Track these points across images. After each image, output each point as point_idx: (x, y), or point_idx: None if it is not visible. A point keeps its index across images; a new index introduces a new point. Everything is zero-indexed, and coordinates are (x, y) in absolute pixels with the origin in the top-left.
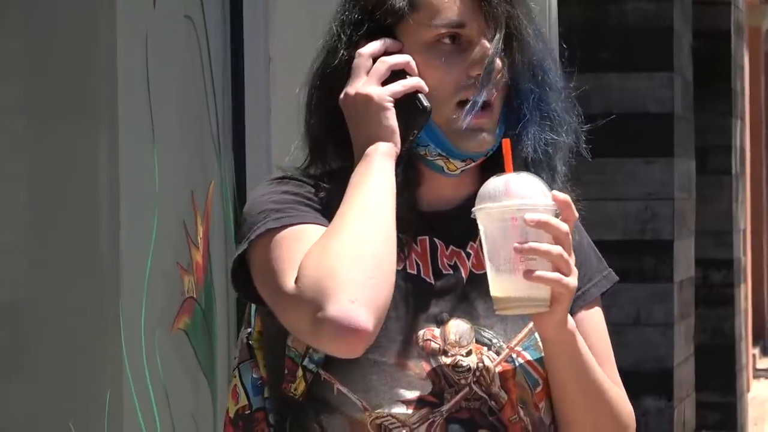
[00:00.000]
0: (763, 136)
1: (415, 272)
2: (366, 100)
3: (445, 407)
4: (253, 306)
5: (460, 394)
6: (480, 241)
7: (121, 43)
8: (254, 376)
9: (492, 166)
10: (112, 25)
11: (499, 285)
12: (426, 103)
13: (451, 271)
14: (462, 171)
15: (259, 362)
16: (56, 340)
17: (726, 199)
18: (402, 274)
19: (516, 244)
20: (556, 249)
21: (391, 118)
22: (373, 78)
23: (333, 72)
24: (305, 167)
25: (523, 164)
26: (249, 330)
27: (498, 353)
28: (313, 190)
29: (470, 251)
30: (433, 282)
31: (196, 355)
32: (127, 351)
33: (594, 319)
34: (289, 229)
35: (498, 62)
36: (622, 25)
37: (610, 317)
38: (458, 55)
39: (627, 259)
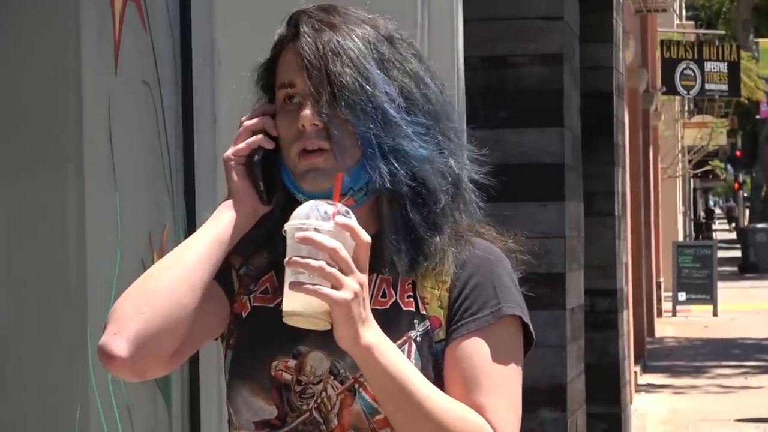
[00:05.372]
0: (641, 182)
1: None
2: (224, 160)
3: (283, 429)
4: None
5: (300, 419)
6: None
7: (86, 104)
8: None
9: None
10: (78, 88)
11: (285, 299)
12: (257, 157)
13: None
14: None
15: None
16: (33, 362)
17: (610, 237)
18: (274, 309)
19: (285, 259)
20: (316, 263)
21: (232, 176)
22: (235, 141)
23: None
24: None
25: (389, 197)
26: None
27: (342, 383)
28: None
29: None
30: None
31: None
32: (94, 373)
33: (469, 349)
34: None
35: (310, 115)
36: (519, 88)
37: None
38: (294, 112)
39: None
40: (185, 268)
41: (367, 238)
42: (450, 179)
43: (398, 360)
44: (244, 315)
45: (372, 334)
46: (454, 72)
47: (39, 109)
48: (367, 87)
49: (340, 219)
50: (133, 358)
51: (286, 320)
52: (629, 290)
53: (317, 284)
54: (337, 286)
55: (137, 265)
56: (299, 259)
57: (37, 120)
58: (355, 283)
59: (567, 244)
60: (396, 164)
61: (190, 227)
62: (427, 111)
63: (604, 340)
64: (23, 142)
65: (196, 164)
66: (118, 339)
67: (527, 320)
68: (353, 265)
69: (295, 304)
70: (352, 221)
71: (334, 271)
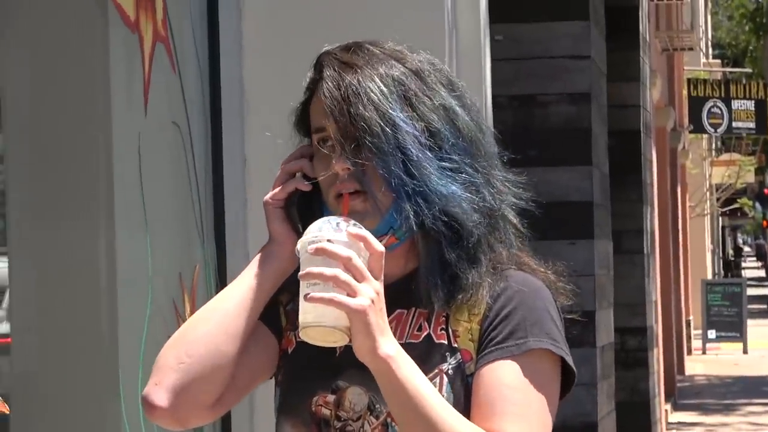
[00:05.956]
0: (670, 220)
1: None
2: (264, 204)
3: None
4: None
5: None
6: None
7: (116, 145)
8: None
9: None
10: (108, 130)
11: (300, 312)
12: (294, 199)
13: None
14: None
15: None
16: (65, 405)
17: (639, 275)
18: (309, 344)
19: (299, 273)
20: (330, 271)
21: (271, 219)
22: (273, 185)
23: None
24: None
25: (423, 235)
26: None
27: (377, 417)
28: None
29: None
30: (336, 352)
31: None
32: (127, 414)
33: (488, 375)
34: None
35: (340, 161)
36: (547, 126)
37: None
38: (328, 155)
39: None
40: (222, 316)
41: (380, 247)
42: (484, 212)
43: (416, 375)
44: (289, 351)
45: (390, 345)
46: (482, 111)
47: (69, 150)
48: (388, 130)
49: (353, 229)
50: (174, 408)
51: (302, 335)
52: (659, 328)
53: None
54: (352, 294)
55: (169, 305)
56: (313, 270)
57: (67, 161)
58: (371, 291)
59: (596, 282)
60: (422, 205)
61: (221, 267)
62: (456, 144)
63: (635, 378)
64: (54, 183)
65: (225, 204)
66: (159, 389)
67: (561, 353)
68: (368, 274)
69: (311, 316)
70: (365, 231)
71: (350, 279)
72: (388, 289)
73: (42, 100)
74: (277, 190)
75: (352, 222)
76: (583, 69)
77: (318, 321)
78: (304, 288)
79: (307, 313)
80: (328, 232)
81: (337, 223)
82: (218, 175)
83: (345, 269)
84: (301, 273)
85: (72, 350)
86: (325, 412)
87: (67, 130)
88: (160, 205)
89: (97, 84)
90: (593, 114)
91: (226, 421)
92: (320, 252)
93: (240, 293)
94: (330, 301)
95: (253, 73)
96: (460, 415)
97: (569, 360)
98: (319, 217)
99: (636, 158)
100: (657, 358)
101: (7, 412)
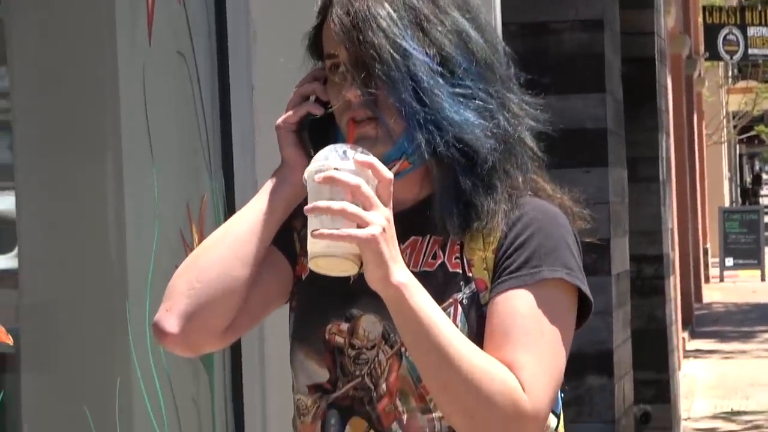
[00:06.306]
0: (686, 148)
1: None
2: (276, 128)
3: (334, 395)
4: None
5: (351, 384)
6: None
7: (122, 76)
8: None
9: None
10: (113, 61)
11: (309, 244)
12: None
13: None
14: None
15: None
16: (74, 336)
17: (655, 203)
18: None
19: (306, 206)
20: (337, 204)
21: (284, 143)
22: (286, 108)
23: None
24: None
25: (437, 162)
26: None
27: (392, 347)
28: None
29: None
30: (350, 280)
31: None
32: (134, 344)
33: (501, 305)
34: None
35: (352, 88)
36: (560, 53)
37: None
38: (340, 81)
39: None
40: (233, 241)
41: (389, 174)
42: (498, 137)
43: (429, 303)
44: (303, 277)
45: (403, 272)
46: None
47: (74, 82)
48: (398, 57)
49: (360, 156)
50: (185, 334)
51: (312, 266)
52: (675, 256)
53: (342, 228)
54: (362, 224)
55: (176, 236)
56: (320, 204)
57: (72, 93)
58: (381, 218)
59: (611, 210)
60: (435, 132)
61: (229, 197)
62: (469, 69)
63: (651, 306)
64: (60, 116)
65: (233, 133)
66: (170, 315)
67: (576, 282)
68: (377, 201)
69: (319, 247)
70: (372, 158)
71: (357, 209)
72: (402, 214)
73: (46, 32)
74: (289, 113)
75: (360, 149)
76: None
77: (326, 251)
78: (312, 221)
79: (315, 243)
80: (335, 160)
81: (344, 151)
82: (225, 104)
83: (353, 197)
84: (307, 207)
85: (80, 282)
86: (339, 340)
87: (72, 61)
88: (167, 135)
89: (101, 15)
90: (606, 41)
91: (236, 349)
92: (328, 180)
93: (251, 218)
94: (339, 237)
95: (260, 0)
96: (473, 344)
97: (585, 289)
98: (333, 142)
99: (651, 86)
100: (674, 285)
101: (11, 344)
